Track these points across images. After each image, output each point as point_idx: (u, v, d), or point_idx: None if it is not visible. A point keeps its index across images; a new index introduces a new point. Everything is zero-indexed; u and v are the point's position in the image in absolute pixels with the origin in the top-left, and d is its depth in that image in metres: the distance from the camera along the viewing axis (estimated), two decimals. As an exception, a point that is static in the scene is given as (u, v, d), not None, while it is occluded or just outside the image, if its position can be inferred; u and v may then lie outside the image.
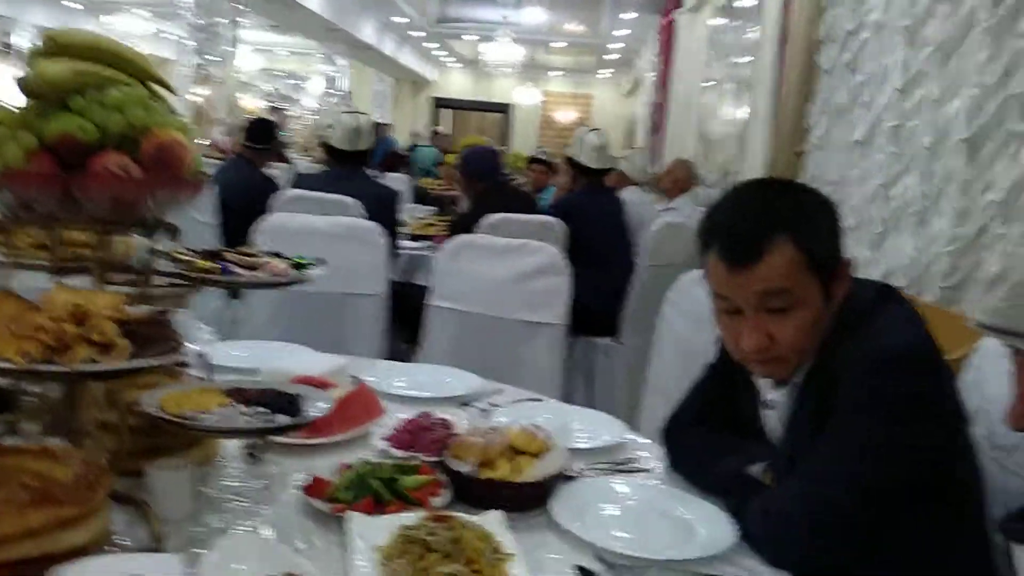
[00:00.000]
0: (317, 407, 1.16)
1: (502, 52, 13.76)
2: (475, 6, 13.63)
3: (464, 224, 3.20)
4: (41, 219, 1.02)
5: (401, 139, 12.45)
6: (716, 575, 1.07)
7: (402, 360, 2.25)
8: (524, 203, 3.41)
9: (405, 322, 3.19)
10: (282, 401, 1.15)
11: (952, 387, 1.19)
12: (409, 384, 1.77)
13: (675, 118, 9.42)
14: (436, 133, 13.37)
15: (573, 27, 15.37)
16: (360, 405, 1.50)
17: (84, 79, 1.05)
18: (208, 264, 1.30)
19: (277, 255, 1.41)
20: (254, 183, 4.10)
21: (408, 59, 17.70)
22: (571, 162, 3.91)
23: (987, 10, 2.13)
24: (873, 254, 2.73)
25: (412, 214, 4.76)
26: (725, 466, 1.29)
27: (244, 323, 2.39)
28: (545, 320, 2.24)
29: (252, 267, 1.32)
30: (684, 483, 1.35)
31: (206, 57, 9.38)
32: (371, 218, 2.92)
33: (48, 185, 0.98)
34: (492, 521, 1.10)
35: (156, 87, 1.16)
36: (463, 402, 1.71)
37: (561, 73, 19.60)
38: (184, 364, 1.02)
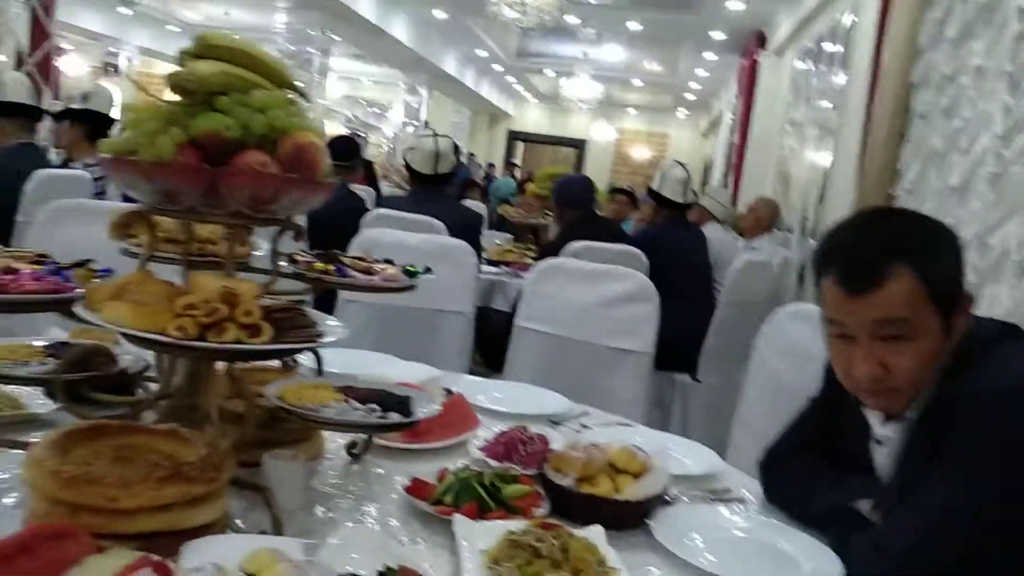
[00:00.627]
0: (426, 408, 1.19)
1: (580, 88, 13.88)
2: (555, 42, 13.81)
3: (551, 250, 3.23)
4: (182, 211, 1.08)
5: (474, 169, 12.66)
6: (823, 608, 1.05)
7: (480, 382, 2.26)
8: (614, 233, 3.42)
9: (482, 345, 3.22)
10: (393, 401, 1.17)
11: None
12: (499, 400, 1.78)
13: (753, 160, 9.33)
14: (514, 165, 13.60)
15: (651, 66, 15.43)
16: (457, 415, 1.52)
17: (231, 80, 1.10)
18: (326, 266, 1.34)
19: (389, 262, 1.45)
20: (340, 198, 4.20)
21: (487, 91, 18.02)
22: (654, 195, 3.91)
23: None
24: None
25: (490, 240, 4.82)
26: (827, 500, 1.26)
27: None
28: (631, 348, 2.23)
29: (367, 271, 1.36)
30: (781, 515, 1.32)
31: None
32: (454, 240, 2.96)
33: (194, 178, 1.03)
34: (595, 535, 1.09)
35: (292, 94, 1.21)
36: (553, 421, 1.71)
37: (637, 111, 19.65)
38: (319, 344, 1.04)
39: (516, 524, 1.08)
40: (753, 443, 1.86)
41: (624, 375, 2.22)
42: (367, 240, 2.50)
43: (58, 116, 4.13)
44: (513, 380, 2.19)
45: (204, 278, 0.97)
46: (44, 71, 6.58)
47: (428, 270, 1.45)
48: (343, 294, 2.35)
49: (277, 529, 1.02)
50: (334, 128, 17.09)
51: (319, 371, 1.34)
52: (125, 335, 0.92)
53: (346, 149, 4.57)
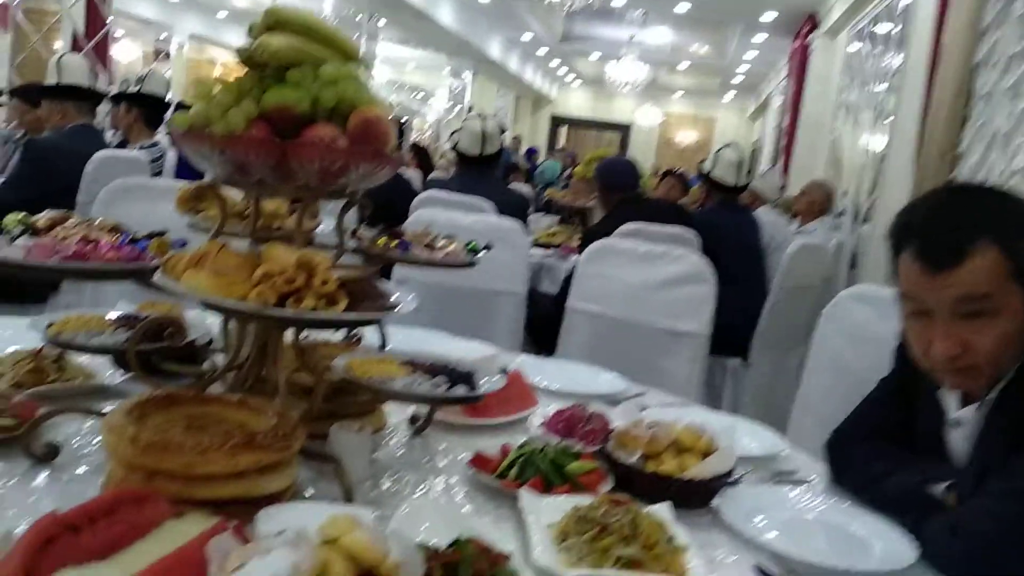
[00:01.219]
0: (491, 382, 1.18)
1: (626, 71, 13.74)
2: (601, 24, 13.67)
3: (596, 234, 3.19)
4: (252, 184, 1.08)
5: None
6: (897, 592, 1.02)
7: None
8: (665, 213, 3.38)
9: (530, 327, 3.21)
10: (458, 374, 1.17)
11: None
12: (554, 379, 1.77)
13: (803, 144, 9.15)
14: (561, 149, 13.63)
15: (699, 49, 15.20)
16: (516, 392, 1.51)
17: (301, 54, 1.10)
18: (389, 242, 1.35)
19: (450, 238, 1.45)
20: (389, 180, 4.21)
21: (531, 76, 17.95)
22: (706, 177, 3.85)
23: None
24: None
25: (537, 223, 4.80)
26: (900, 483, 1.23)
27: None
28: (686, 329, 2.21)
29: (429, 247, 1.36)
30: (849, 498, 1.30)
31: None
32: (501, 222, 2.95)
33: (265, 151, 1.04)
34: (663, 512, 1.08)
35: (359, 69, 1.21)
36: (610, 400, 1.70)
37: (683, 94, 19.40)
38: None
39: (583, 499, 1.08)
40: (814, 426, 1.83)
41: (679, 357, 2.19)
42: (420, 221, 2.51)
43: (114, 99, 4.21)
44: (565, 361, 2.18)
45: (278, 249, 0.98)
46: (100, 56, 6.71)
47: (488, 247, 1.45)
48: (397, 274, 2.36)
49: (348, 498, 1.02)
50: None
51: (383, 346, 1.34)
52: (204, 303, 0.93)
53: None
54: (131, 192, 2.18)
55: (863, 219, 6.15)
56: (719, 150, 3.84)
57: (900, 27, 6.15)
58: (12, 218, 1.01)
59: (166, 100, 4.13)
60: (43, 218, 1.06)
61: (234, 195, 1.27)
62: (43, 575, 0.71)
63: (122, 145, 4.10)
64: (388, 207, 2.85)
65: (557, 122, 20.85)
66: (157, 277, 0.98)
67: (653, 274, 2.25)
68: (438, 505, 1.07)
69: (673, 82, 18.61)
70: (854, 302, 1.87)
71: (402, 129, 4.89)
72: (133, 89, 4.07)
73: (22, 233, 0.99)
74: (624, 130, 19.77)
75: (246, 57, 1.12)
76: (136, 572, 0.73)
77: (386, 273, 2.38)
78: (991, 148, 3.92)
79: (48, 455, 1.07)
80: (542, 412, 1.50)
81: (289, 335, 1.18)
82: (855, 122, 7.57)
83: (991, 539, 1.04)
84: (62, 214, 1.10)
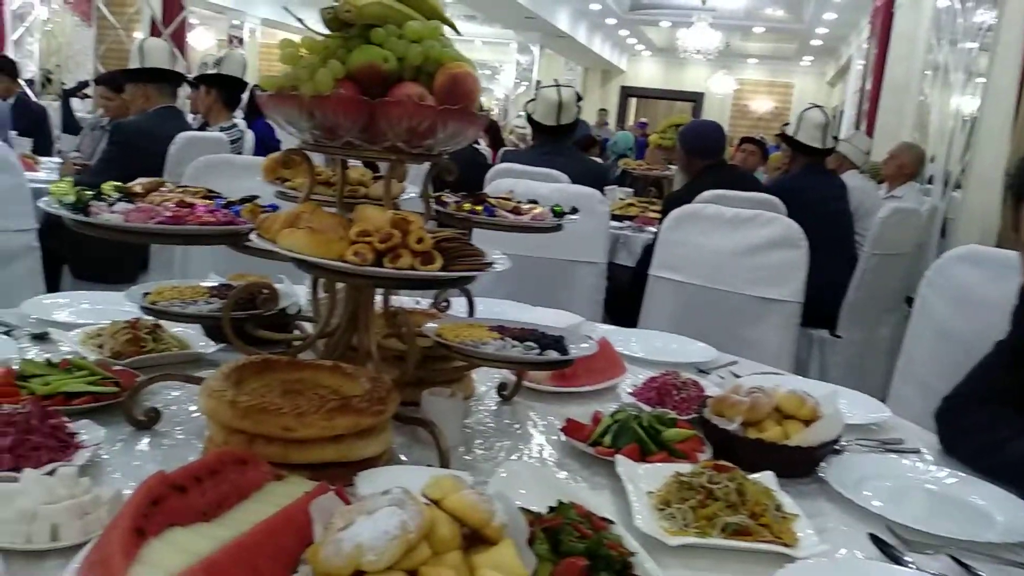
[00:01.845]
0: (581, 347, 1.15)
1: (698, 38, 13.38)
2: (672, -9, 13.37)
3: (679, 200, 3.11)
4: (340, 147, 1.07)
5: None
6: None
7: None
8: (746, 183, 3.27)
9: (607, 300, 3.16)
10: (548, 340, 1.14)
11: None
12: (642, 348, 1.73)
13: (888, 107, 8.76)
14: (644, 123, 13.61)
15: (775, 12, 14.69)
16: (604, 360, 1.48)
17: (386, 11, 1.08)
18: (474, 206, 1.32)
19: (533, 202, 1.41)
20: (462, 152, 4.21)
21: (599, 47, 17.68)
22: (789, 141, 3.71)
23: None
24: None
25: (612, 195, 4.72)
26: (1019, 450, 1.15)
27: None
28: (777, 296, 2.12)
29: (515, 211, 1.33)
30: (961, 467, 1.22)
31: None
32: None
33: (354, 111, 1.02)
34: (768, 480, 1.03)
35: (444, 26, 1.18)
36: (700, 369, 1.65)
37: (757, 60, 18.83)
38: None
39: (683, 466, 1.04)
40: (918, 394, 1.75)
41: (769, 325, 2.11)
42: (498, 190, 2.48)
43: (194, 82, 4.30)
44: (650, 331, 2.13)
45: (370, 210, 0.96)
46: (177, 44, 6.88)
47: (575, 210, 1.41)
48: (477, 242, 2.33)
49: (444, 463, 1.01)
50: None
51: (471, 312, 1.32)
52: (301, 263, 0.92)
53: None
54: (215, 168, 2.21)
55: (954, 185, 5.85)
56: (804, 111, 3.68)
57: (994, -21, 5.79)
58: (109, 186, 1.02)
59: (243, 81, 4.20)
60: (138, 184, 1.07)
61: (320, 164, 1.26)
62: (152, 533, 0.72)
63: (202, 128, 4.19)
64: (463, 179, 2.84)
65: (627, 93, 20.52)
66: (253, 238, 0.97)
67: (741, 239, 2.17)
68: (535, 470, 1.04)
69: (747, 48, 18.06)
70: (960, 264, 1.76)
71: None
72: (211, 71, 4.15)
73: (120, 199, 0.99)
74: (696, 99, 19.32)
75: (330, 18, 1.10)
76: (242, 532, 0.73)
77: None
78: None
79: (150, 420, 1.09)
80: (631, 381, 1.46)
81: (379, 301, 1.17)
82: (944, 84, 7.19)
83: None
84: (156, 181, 1.11)
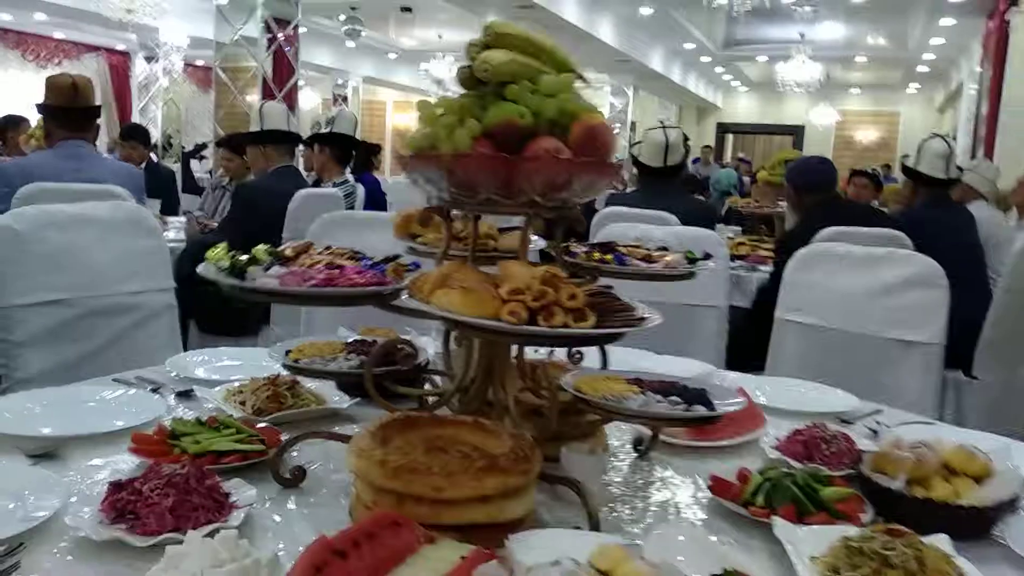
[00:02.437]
0: (729, 402, 1.10)
1: (797, 71, 13.11)
2: (767, 25, 13.15)
3: (794, 240, 3.01)
4: (478, 203, 1.07)
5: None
6: None
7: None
8: (867, 216, 3.13)
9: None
10: (692, 393, 1.10)
11: None
12: (777, 397, 1.65)
13: (1010, 132, 8.30)
14: (742, 159, 13.45)
15: (876, 40, 14.27)
16: (743, 411, 1.40)
17: (521, 68, 1.09)
18: (603, 255, 1.30)
19: (664, 249, 1.38)
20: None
21: (694, 84, 17.58)
22: (911, 172, 3.54)
23: None
24: None
25: (721, 234, 4.62)
26: None
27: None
28: (917, 339, 2.00)
29: (647, 259, 1.30)
30: None
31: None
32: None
33: (493, 167, 1.02)
34: (943, 545, 0.95)
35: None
36: (843, 419, 1.56)
37: (860, 90, 18.29)
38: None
39: (849, 529, 0.97)
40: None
41: (909, 370, 1.99)
42: (610, 236, 2.45)
43: (309, 141, 4.49)
44: (782, 378, 2.05)
45: (515, 266, 0.95)
46: (289, 103, 7.24)
47: (708, 256, 1.36)
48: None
49: (594, 525, 0.98)
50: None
51: (604, 364, 1.29)
52: (455, 323, 0.92)
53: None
54: (337, 224, 2.28)
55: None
56: (925, 141, 3.52)
57: None
58: (261, 249, 1.05)
59: (355, 139, 4.36)
60: (289, 248, 1.10)
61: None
62: (318, 601, 0.71)
63: (316, 184, 4.36)
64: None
65: (723, 129, 20.27)
66: (404, 299, 0.98)
67: (875, 279, 2.06)
68: (686, 533, 0.99)
69: (848, 78, 17.57)
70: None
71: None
72: (325, 130, 4.33)
73: (273, 263, 1.02)
74: (797, 132, 18.88)
75: (465, 77, 1.11)
76: (405, 600, 0.71)
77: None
78: None
79: (295, 479, 1.10)
80: (773, 432, 1.39)
81: (515, 354, 1.15)
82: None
83: None
84: (305, 243, 1.14)
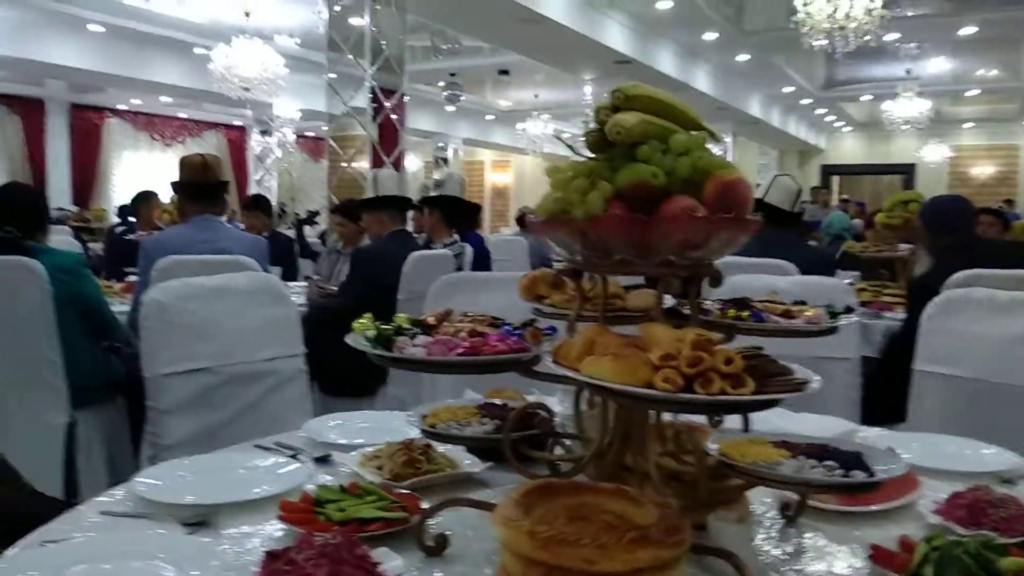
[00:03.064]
0: (888, 467, 1.03)
1: (905, 108, 12.67)
2: (869, 64, 12.81)
3: (927, 284, 2.86)
4: (612, 265, 1.06)
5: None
6: None
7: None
8: (1007, 257, 2.95)
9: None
10: (848, 457, 1.04)
11: None
12: (927, 455, 1.55)
13: None
14: (846, 200, 13.17)
15: (987, 72, 13.69)
16: (895, 472, 1.33)
17: (652, 128, 1.09)
18: (739, 312, 1.26)
19: (801, 303, 1.33)
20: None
21: (795, 128, 17.25)
22: (1048, 210, 3.33)
23: None
24: None
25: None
26: None
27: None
28: (1077, 389, 1.85)
29: (786, 315, 1.26)
30: None
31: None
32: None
33: (628, 229, 1.01)
34: None
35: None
36: (1004, 479, 1.44)
37: (973, 124, 17.49)
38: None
39: (1040, 607, 0.88)
40: None
41: (1069, 423, 1.84)
42: (733, 288, 2.39)
43: (419, 204, 4.62)
44: (919, 433, 1.92)
45: (657, 329, 0.94)
46: (397, 168, 7.49)
47: (849, 309, 1.31)
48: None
49: (754, 600, 0.93)
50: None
51: (746, 426, 1.24)
52: (608, 391, 0.91)
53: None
54: (454, 286, 2.31)
55: None
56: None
57: None
58: (403, 319, 1.07)
59: (464, 200, 4.47)
60: (431, 316, 1.12)
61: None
62: None
63: (426, 246, 4.47)
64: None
65: (828, 171, 19.71)
66: (549, 366, 0.98)
67: (1021, 326, 1.93)
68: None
69: (960, 113, 16.87)
70: None
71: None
72: (434, 193, 4.46)
73: (418, 332, 1.04)
74: (907, 171, 18.16)
75: (595, 140, 1.12)
76: None
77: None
78: None
79: (439, 547, 1.10)
80: (930, 495, 1.30)
81: (653, 418, 1.13)
82: None
83: None
84: (444, 311, 1.16)
